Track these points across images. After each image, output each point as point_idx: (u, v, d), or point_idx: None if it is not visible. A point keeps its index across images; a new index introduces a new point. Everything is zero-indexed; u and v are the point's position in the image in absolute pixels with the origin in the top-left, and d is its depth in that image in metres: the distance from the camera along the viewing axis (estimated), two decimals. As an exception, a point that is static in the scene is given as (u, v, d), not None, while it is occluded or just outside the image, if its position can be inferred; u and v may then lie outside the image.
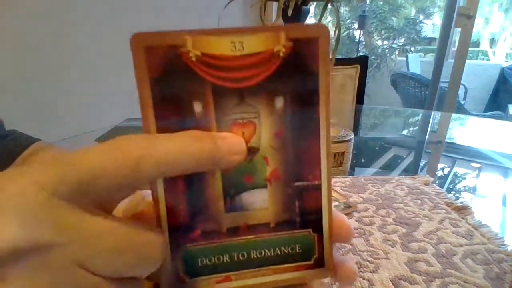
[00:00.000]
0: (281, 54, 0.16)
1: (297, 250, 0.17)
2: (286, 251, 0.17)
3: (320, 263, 0.18)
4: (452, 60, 2.18)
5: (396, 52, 3.93)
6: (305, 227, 0.17)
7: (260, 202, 0.17)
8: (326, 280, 0.32)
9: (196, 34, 0.15)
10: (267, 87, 0.16)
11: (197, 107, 0.16)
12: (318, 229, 0.17)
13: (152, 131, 0.15)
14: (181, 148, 0.14)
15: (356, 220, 0.44)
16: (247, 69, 0.16)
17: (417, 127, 1.16)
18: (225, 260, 0.17)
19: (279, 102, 0.16)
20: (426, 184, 0.55)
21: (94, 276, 0.14)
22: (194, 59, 0.15)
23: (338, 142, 0.56)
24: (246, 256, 0.17)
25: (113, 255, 0.14)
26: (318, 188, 0.17)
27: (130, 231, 0.15)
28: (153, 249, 0.15)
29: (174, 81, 0.15)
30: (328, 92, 0.16)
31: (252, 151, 0.16)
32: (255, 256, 0.17)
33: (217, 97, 0.16)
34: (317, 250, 0.18)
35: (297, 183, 0.17)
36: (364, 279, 0.33)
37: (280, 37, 0.16)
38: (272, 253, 0.17)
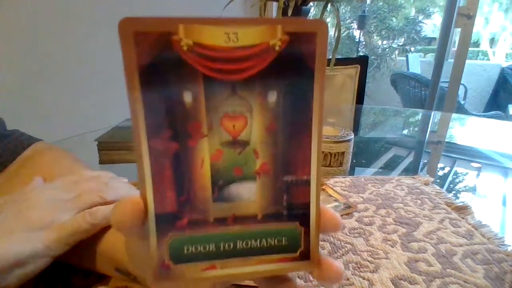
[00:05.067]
0: (277, 48, 0.15)
1: (283, 242, 0.18)
2: (273, 243, 0.18)
3: (305, 256, 0.18)
4: (452, 60, 2.18)
5: (396, 52, 3.92)
6: (293, 220, 0.18)
7: (248, 194, 0.17)
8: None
9: (189, 22, 0.14)
10: (260, 81, 0.16)
11: (187, 97, 0.15)
12: (306, 222, 0.18)
13: (140, 121, 0.15)
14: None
15: (356, 220, 0.44)
16: (240, 61, 0.15)
17: (417, 127, 1.16)
18: (211, 249, 0.17)
19: (272, 97, 0.16)
20: (426, 184, 0.55)
21: None
22: (185, 48, 0.15)
23: (338, 142, 0.56)
24: (232, 246, 0.17)
25: None
26: (307, 183, 0.17)
27: None
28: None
29: (164, 70, 0.15)
30: (322, 89, 0.16)
31: (242, 144, 0.16)
32: (241, 247, 0.17)
33: (208, 89, 0.15)
34: (303, 243, 0.18)
35: (286, 178, 0.17)
36: (364, 279, 0.33)
37: (276, 30, 0.15)
38: (259, 244, 0.17)
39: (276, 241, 0.18)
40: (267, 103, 0.16)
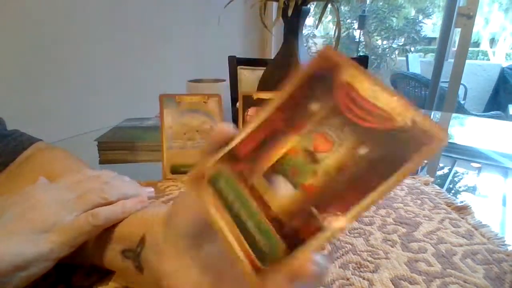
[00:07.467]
0: (399, 124, 0.17)
1: (263, 248, 0.18)
2: (258, 239, 0.18)
3: (263, 275, 0.17)
4: (452, 60, 2.18)
5: (396, 52, 3.93)
6: (285, 239, 0.18)
7: (283, 193, 0.18)
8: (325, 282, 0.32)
9: (355, 67, 0.18)
10: (366, 135, 0.17)
11: (315, 106, 0.19)
12: (291, 250, 0.17)
13: (277, 102, 0.20)
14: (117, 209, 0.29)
15: (356, 220, 0.44)
16: (367, 113, 0.17)
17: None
18: (230, 199, 0.20)
19: (363, 150, 0.17)
20: (426, 184, 0.55)
21: None
22: (341, 82, 0.18)
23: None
24: (236, 217, 0.19)
25: None
26: (321, 228, 0.17)
27: None
28: None
29: (315, 85, 0.19)
30: (408, 172, 0.16)
31: (315, 160, 0.18)
32: (245, 219, 0.19)
33: (331, 110, 0.18)
34: (273, 263, 0.17)
35: (313, 209, 0.17)
36: (364, 279, 0.33)
37: (407, 114, 0.17)
38: (252, 228, 0.19)
39: (262, 241, 0.18)
40: (355, 151, 0.17)
